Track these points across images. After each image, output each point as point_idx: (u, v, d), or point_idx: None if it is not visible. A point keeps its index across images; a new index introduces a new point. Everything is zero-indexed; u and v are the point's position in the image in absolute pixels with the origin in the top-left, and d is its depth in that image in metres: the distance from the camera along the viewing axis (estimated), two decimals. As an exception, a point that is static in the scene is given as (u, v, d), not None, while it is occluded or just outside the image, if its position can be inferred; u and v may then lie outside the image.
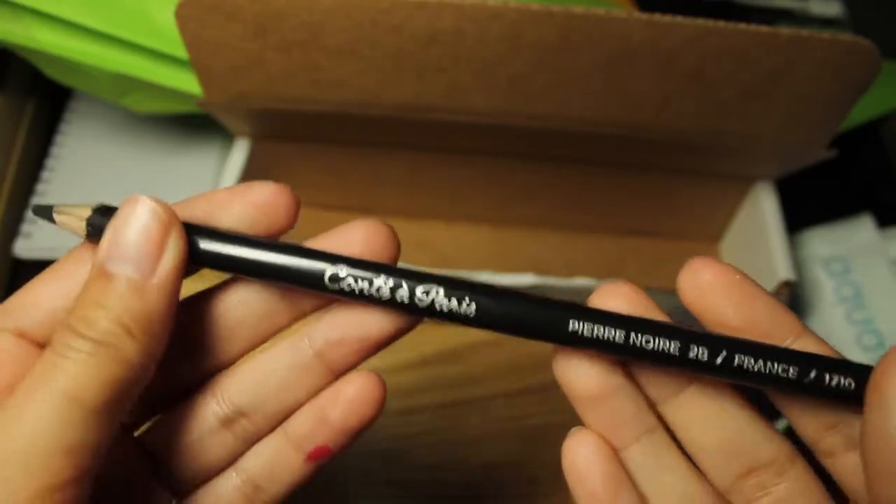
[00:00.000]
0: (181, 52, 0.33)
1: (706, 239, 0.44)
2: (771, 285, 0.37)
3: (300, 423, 0.19)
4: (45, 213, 0.18)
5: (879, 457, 0.16)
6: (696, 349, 0.17)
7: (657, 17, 0.29)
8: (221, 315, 0.19)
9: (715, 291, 0.17)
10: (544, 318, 0.17)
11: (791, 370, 0.17)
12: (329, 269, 0.17)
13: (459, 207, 0.43)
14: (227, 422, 0.20)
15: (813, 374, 0.17)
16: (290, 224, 0.19)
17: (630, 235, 0.44)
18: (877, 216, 0.43)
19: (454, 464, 0.37)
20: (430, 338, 0.41)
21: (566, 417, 0.38)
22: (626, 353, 0.17)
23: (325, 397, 0.19)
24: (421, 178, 0.41)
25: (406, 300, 0.17)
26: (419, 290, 0.17)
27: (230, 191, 0.18)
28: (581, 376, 0.19)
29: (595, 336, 0.17)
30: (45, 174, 0.43)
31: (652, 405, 0.19)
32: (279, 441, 0.20)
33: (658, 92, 0.32)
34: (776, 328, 0.18)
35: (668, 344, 0.17)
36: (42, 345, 0.17)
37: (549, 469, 0.37)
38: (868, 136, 0.48)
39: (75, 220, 0.18)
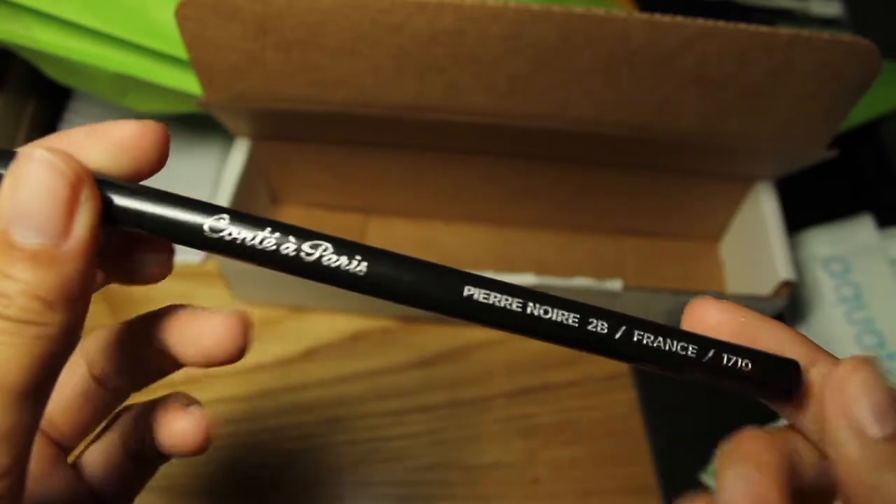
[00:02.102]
0: (181, 52, 0.33)
1: (706, 239, 0.44)
2: (771, 285, 0.37)
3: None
4: None
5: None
6: (595, 322, 0.17)
7: (657, 17, 0.29)
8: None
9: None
10: (438, 284, 0.17)
11: (690, 349, 0.17)
12: (209, 221, 0.16)
13: (459, 207, 0.43)
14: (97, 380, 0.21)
15: (711, 353, 0.17)
16: (160, 161, 0.17)
17: (630, 235, 0.44)
18: (877, 216, 0.43)
19: (454, 464, 0.37)
20: (429, 338, 0.41)
21: (566, 417, 0.38)
22: (524, 324, 0.17)
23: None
24: (421, 178, 0.41)
25: (291, 253, 0.16)
26: (306, 245, 0.16)
27: (89, 130, 0.17)
28: None
29: (491, 303, 0.16)
30: (45, 174, 0.43)
31: None
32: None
33: (658, 92, 0.32)
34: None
35: (566, 316, 0.17)
36: None
37: (549, 469, 0.37)
38: (868, 136, 0.48)
39: None
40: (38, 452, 0.20)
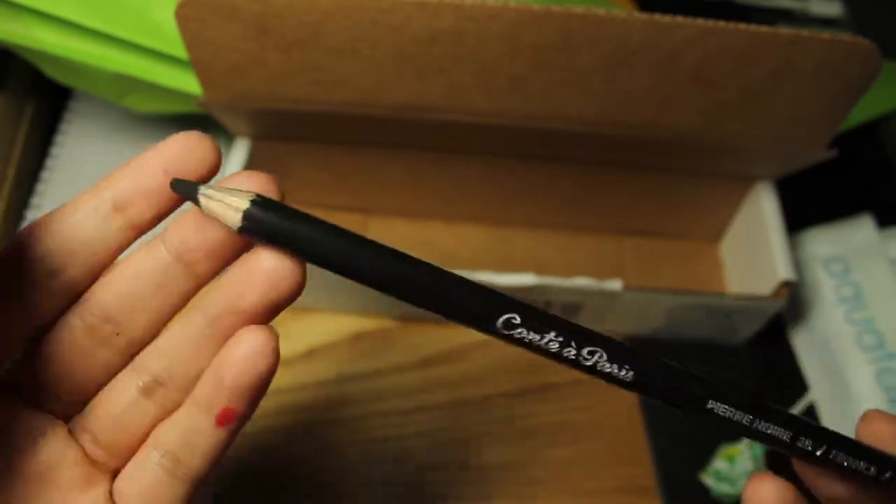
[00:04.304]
0: (181, 52, 0.33)
1: (706, 239, 0.44)
2: (771, 285, 0.37)
3: (202, 388, 0.19)
4: (187, 190, 0.17)
5: None
6: (803, 440, 0.19)
7: (657, 17, 0.29)
8: (118, 293, 0.19)
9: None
10: (687, 392, 0.19)
11: (872, 469, 0.19)
12: (505, 316, 0.18)
13: (459, 207, 0.43)
14: (147, 391, 0.19)
15: (888, 475, 0.19)
16: (214, 172, 0.18)
17: (630, 235, 0.44)
18: (877, 216, 0.43)
19: (454, 464, 0.37)
20: (429, 338, 0.41)
21: (566, 417, 0.39)
22: (748, 433, 0.19)
23: (218, 359, 0.19)
24: (421, 178, 0.41)
25: (571, 357, 0.18)
26: (585, 351, 0.18)
27: (152, 155, 0.18)
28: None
29: (725, 416, 0.19)
30: (45, 174, 0.43)
31: None
32: (189, 408, 0.19)
33: (658, 92, 0.32)
34: None
35: (781, 432, 0.19)
36: None
37: (549, 469, 0.37)
38: (868, 136, 0.48)
39: (227, 208, 0.17)
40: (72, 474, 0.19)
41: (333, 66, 0.32)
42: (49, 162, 0.44)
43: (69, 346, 0.19)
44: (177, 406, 0.20)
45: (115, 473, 0.20)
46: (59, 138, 0.45)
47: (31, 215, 0.42)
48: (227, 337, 0.19)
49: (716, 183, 0.40)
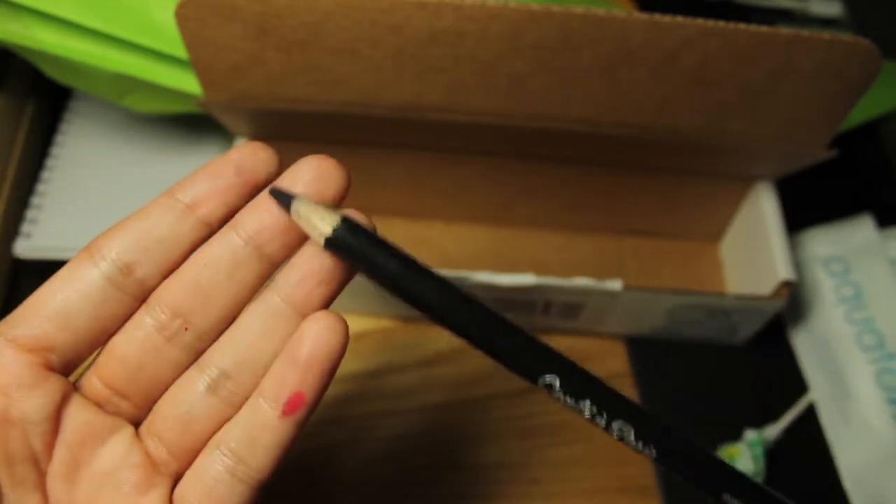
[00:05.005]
0: (181, 52, 0.33)
1: (706, 239, 0.44)
2: (771, 285, 0.37)
3: (271, 377, 0.20)
4: (283, 199, 0.19)
5: None
6: None
7: (657, 17, 0.29)
8: (187, 285, 0.20)
9: None
10: (710, 479, 0.19)
11: None
12: (545, 378, 0.19)
13: (459, 207, 0.43)
14: (214, 387, 0.20)
15: None
16: (275, 174, 0.21)
17: (630, 235, 0.44)
18: (877, 216, 0.43)
19: (454, 464, 0.37)
20: (429, 338, 0.41)
21: (566, 417, 0.38)
22: None
23: (291, 341, 0.20)
24: (421, 178, 0.41)
25: (602, 426, 0.19)
26: (615, 425, 0.19)
27: (223, 160, 0.20)
28: None
29: None
30: (45, 174, 0.43)
31: None
32: (254, 401, 0.20)
33: (658, 92, 0.32)
34: None
35: None
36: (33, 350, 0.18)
37: (549, 469, 0.37)
38: (868, 136, 0.48)
39: (319, 223, 0.19)
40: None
41: (333, 66, 0.32)
42: (49, 162, 0.44)
43: (140, 345, 0.20)
44: (243, 402, 0.20)
45: (176, 477, 0.20)
46: (59, 138, 0.45)
47: (31, 215, 0.42)
48: (303, 311, 0.20)
49: (716, 183, 0.40)
